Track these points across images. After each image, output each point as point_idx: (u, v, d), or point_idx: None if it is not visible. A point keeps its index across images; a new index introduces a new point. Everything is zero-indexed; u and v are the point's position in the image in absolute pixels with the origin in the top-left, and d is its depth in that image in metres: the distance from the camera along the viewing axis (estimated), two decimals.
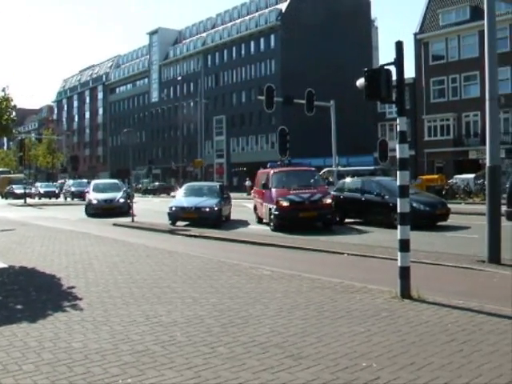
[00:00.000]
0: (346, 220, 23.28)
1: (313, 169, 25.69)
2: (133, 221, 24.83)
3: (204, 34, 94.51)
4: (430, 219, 20.28)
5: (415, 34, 58.63)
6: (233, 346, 5.94)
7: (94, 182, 36.66)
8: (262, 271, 10.71)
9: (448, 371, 5.16)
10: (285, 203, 20.77)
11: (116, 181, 37.97)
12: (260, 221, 23.99)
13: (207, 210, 23.12)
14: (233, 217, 26.06)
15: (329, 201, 21.22)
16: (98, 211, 30.41)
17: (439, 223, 20.53)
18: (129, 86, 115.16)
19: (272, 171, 23.24)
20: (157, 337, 6.31)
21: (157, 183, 78.01)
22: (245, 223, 24.65)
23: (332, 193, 24.48)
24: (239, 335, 6.35)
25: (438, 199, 23.04)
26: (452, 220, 21.15)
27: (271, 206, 21.20)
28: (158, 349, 5.87)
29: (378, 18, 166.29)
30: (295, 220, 20.76)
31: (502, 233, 12.22)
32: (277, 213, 20.79)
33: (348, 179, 26.33)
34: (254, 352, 5.75)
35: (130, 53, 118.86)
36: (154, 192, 69.64)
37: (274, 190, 21.68)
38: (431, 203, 21.04)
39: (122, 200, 27.46)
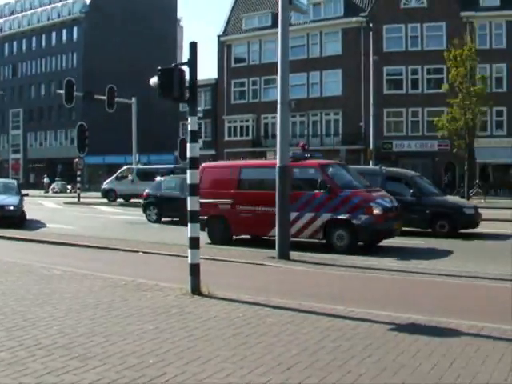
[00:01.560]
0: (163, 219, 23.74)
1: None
2: None
3: (1, 21, 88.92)
4: None
5: (219, 36, 60.01)
6: (16, 351, 5.69)
7: None
8: (53, 271, 10.42)
9: (231, 363, 5.37)
10: (378, 211, 14.49)
11: None
12: (227, 240, 16.13)
13: (11, 208, 21.59)
14: (29, 216, 24.86)
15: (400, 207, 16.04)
16: None
17: None
18: None
19: (318, 163, 15.62)
20: None
21: None
22: (42, 222, 23.70)
23: (147, 191, 24.59)
24: (24, 338, 6.11)
25: None
26: None
27: (343, 217, 14.48)
28: None
29: (186, 19, 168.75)
30: (389, 234, 15.36)
31: None
32: (363, 225, 14.32)
33: (165, 178, 26.60)
34: (38, 355, 5.56)
35: None
36: None
37: (349, 191, 14.88)
38: None
39: None
